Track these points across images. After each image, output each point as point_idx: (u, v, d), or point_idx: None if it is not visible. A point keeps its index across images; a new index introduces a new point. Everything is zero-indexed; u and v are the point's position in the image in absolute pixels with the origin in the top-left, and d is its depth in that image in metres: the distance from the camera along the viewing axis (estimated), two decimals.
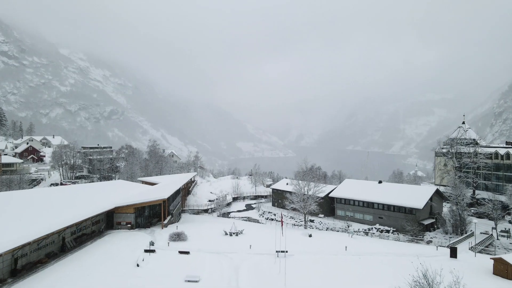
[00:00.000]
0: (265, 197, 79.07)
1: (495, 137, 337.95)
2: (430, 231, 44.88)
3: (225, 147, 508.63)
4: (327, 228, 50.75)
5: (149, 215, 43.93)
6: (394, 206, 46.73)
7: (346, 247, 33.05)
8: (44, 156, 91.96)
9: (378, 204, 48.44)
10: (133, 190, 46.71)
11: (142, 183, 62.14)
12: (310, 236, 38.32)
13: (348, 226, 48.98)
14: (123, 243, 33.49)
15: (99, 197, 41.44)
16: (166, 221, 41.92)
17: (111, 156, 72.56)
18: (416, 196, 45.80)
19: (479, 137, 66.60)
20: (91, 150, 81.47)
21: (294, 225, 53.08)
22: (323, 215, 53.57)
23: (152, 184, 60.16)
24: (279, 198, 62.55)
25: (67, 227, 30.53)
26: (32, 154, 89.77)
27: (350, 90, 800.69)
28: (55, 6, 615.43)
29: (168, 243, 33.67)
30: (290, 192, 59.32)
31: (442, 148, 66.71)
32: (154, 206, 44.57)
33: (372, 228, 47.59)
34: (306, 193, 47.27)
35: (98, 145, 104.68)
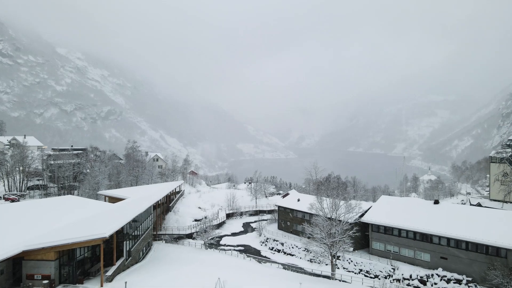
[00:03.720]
0: (268, 212, 63.11)
1: (503, 139, 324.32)
2: None
3: (225, 149, 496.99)
4: (361, 270, 34.64)
5: (87, 259, 27.95)
6: (468, 242, 30.50)
7: None
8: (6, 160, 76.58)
9: (440, 237, 32.23)
10: (75, 215, 31.15)
11: (106, 199, 46.61)
12: None
13: (394, 269, 32.87)
14: None
15: (8, 229, 25.83)
16: (111, 272, 26.10)
17: (72, 161, 57.26)
18: (505, 228, 29.61)
19: None
20: (56, 153, 65.93)
21: (312, 261, 37.08)
22: (352, 248, 37.39)
23: (118, 199, 44.66)
24: (287, 219, 46.49)
25: None
26: None
27: (352, 91, 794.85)
28: (53, 5, 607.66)
29: None
30: (303, 213, 43.29)
31: (501, 152, 50.47)
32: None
33: (432, 275, 31.38)
34: (334, 218, 30.88)
35: (71, 146, 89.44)
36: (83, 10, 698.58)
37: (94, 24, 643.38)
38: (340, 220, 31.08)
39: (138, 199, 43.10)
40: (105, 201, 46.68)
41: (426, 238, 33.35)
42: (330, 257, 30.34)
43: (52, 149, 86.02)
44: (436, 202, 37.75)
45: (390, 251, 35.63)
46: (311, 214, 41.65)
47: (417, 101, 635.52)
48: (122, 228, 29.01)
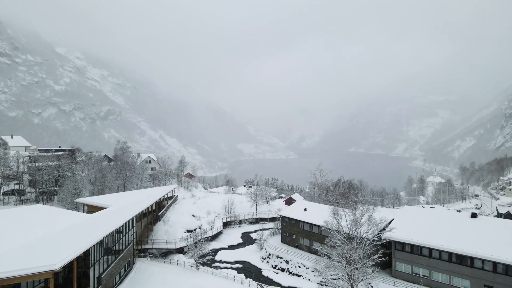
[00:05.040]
0: (270, 220, 57.16)
1: (507, 139, 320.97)
2: None
3: (225, 149, 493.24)
4: None
5: None
6: None
7: None
8: None
9: (484, 260, 26.13)
10: (37, 231, 25.28)
11: (85, 207, 40.72)
12: None
13: None
14: None
15: None
16: None
17: (52, 163, 51.33)
18: None
19: None
20: (34, 154, 60.04)
21: (322, 284, 31.02)
22: (371, 270, 31.29)
23: (99, 208, 38.84)
24: (292, 231, 40.43)
25: None
26: None
27: (352, 91, 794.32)
28: (53, 5, 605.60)
29: None
30: (311, 225, 37.25)
31: None
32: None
33: None
34: (355, 237, 24.79)
35: (59, 147, 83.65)
36: (83, 9, 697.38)
37: (94, 24, 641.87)
38: (362, 238, 24.86)
39: (120, 208, 37.24)
40: (83, 210, 40.84)
41: (465, 261, 27.24)
42: (349, 283, 24.26)
43: (38, 149, 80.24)
44: (474, 215, 31.60)
45: (419, 274, 29.50)
46: (321, 227, 35.60)
47: (417, 101, 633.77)
48: (89, 250, 23.12)
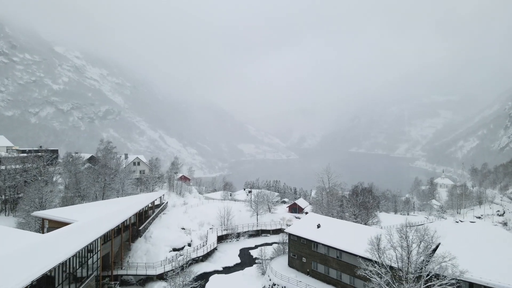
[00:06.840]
0: (273, 232, 49.14)
1: (511, 140, 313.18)
2: None
3: (226, 149, 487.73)
4: None
5: None
6: None
7: None
8: None
9: None
10: None
11: (45, 223, 32.93)
12: None
13: None
14: None
15: None
16: None
17: (16, 167, 43.44)
18: None
19: None
20: (2, 155, 52.09)
21: None
22: None
23: (62, 224, 31.15)
24: (302, 253, 32.32)
25: None
26: None
27: (353, 90, 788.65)
28: (52, 4, 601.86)
29: None
30: (327, 247, 29.12)
31: None
32: None
33: None
34: (409, 270, 16.52)
35: (40, 147, 75.88)
36: (82, 9, 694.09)
37: (93, 23, 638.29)
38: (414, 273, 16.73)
39: (86, 224, 29.45)
40: (42, 225, 33.01)
41: None
42: None
43: (16, 150, 72.44)
44: None
45: None
46: (341, 251, 27.52)
47: (419, 101, 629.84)
48: None
